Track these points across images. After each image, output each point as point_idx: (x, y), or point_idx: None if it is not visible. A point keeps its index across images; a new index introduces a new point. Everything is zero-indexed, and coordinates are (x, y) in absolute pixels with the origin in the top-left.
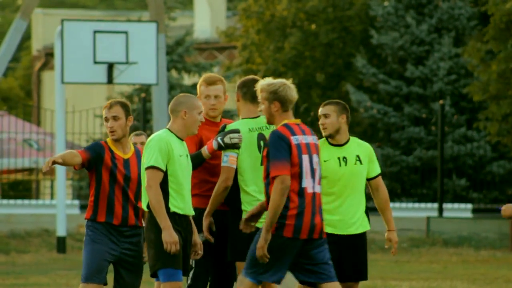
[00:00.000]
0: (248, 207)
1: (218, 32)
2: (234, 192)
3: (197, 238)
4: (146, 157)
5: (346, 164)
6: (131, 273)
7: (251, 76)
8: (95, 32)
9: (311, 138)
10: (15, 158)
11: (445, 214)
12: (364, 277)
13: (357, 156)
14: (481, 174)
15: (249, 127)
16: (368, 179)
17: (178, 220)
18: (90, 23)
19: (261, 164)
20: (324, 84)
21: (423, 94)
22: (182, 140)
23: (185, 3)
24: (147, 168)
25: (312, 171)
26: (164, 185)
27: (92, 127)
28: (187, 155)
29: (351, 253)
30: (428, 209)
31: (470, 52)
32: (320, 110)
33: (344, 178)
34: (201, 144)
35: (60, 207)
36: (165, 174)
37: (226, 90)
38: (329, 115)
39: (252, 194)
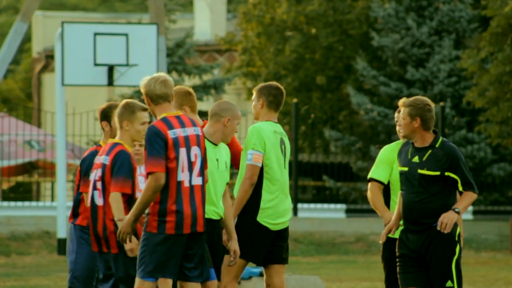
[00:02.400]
0: (268, 204)
1: (217, 39)
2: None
3: (233, 245)
4: None
5: None
6: None
7: (274, 84)
8: (95, 34)
9: (191, 130)
10: (16, 159)
11: None
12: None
13: None
14: (482, 176)
15: (274, 129)
16: None
17: None
18: (90, 26)
19: (284, 167)
20: (325, 87)
21: (423, 96)
22: (215, 144)
23: (185, 6)
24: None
25: (190, 164)
26: None
27: (92, 129)
28: (217, 160)
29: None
30: None
31: (467, 60)
32: (396, 116)
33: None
34: None
35: (61, 209)
36: None
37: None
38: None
39: (275, 193)
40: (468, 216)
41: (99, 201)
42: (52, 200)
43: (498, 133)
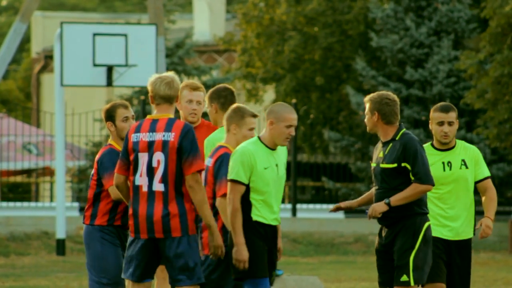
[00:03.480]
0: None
1: (215, 39)
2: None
3: (278, 243)
4: (230, 169)
5: (450, 169)
6: None
7: (222, 85)
8: (94, 34)
9: (160, 135)
10: (15, 162)
11: None
12: (465, 286)
13: (463, 160)
14: None
15: None
16: (476, 182)
17: (261, 229)
18: (89, 26)
19: None
20: (324, 87)
21: (422, 96)
22: (273, 149)
23: (184, 6)
24: (229, 180)
25: (150, 170)
26: (246, 196)
27: (91, 130)
28: (276, 165)
29: (455, 259)
30: None
31: (465, 60)
32: (443, 116)
33: (448, 183)
34: None
35: (60, 210)
36: (248, 185)
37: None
38: (453, 122)
39: None
40: None
41: None
42: (51, 200)
43: (496, 135)
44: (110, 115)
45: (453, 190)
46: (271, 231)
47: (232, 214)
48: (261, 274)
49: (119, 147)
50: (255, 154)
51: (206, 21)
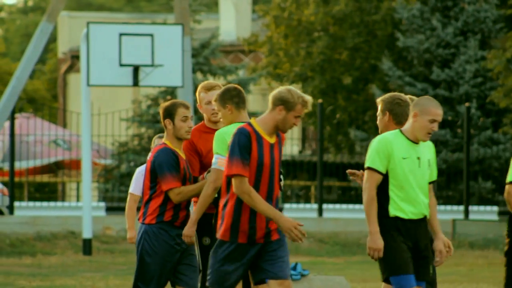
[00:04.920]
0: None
1: (240, 40)
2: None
3: (438, 245)
4: (367, 157)
5: None
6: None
7: (230, 86)
8: (120, 34)
9: None
10: (41, 159)
11: (471, 216)
12: None
13: None
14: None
15: None
16: None
17: (401, 224)
18: (115, 26)
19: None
20: (351, 87)
21: (449, 96)
22: (415, 142)
23: (210, 6)
24: (366, 168)
25: None
26: (385, 188)
27: (118, 130)
28: (418, 158)
29: None
30: (454, 211)
31: (493, 60)
32: None
33: None
34: (198, 153)
35: (86, 209)
36: (386, 176)
37: None
38: None
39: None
40: (493, 216)
41: None
42: (78, 200)
43: None
44: (170, 113)
45: None
46: (412, 226)
47: (368, 203)
48: (403, 270)
49: (173, 146)
50: (393, 143)
51: (232, 21)
